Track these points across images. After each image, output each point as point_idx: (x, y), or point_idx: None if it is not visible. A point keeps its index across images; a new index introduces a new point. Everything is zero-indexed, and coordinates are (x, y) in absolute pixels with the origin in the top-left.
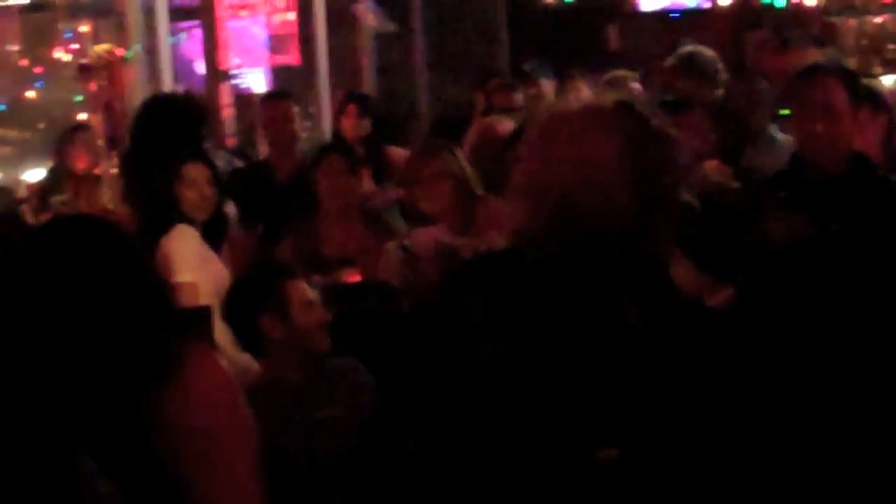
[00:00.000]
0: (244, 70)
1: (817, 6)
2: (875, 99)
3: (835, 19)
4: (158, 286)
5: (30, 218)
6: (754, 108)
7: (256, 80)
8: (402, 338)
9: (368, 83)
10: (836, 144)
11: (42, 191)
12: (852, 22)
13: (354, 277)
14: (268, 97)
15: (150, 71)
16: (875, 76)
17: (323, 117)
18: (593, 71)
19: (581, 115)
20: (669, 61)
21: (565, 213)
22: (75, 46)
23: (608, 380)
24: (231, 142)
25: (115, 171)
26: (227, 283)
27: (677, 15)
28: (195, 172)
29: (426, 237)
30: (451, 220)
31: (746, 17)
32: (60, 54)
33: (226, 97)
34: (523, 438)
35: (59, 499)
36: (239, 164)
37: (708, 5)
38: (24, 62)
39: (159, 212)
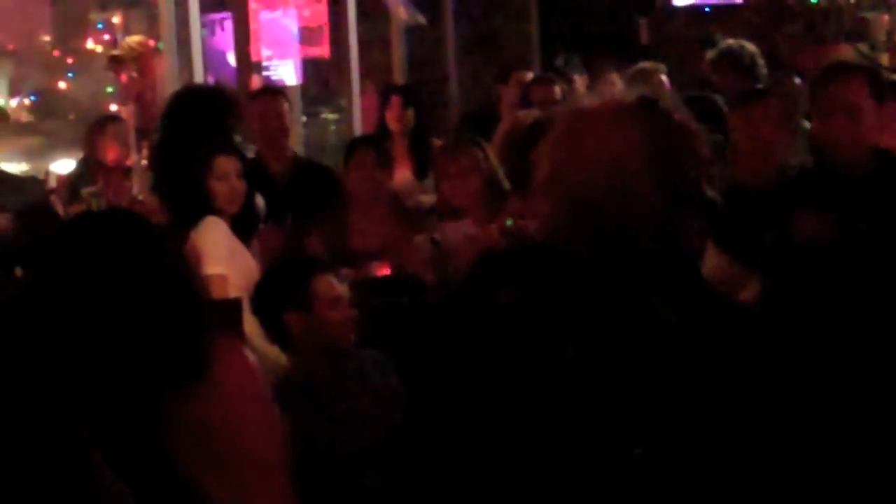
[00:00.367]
0: (275, 62)
1: (850, 1)
2: None
3: (867, 14)
4: (187, 281)
5: (60, 209)
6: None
7: (287, 72)
8: (430, 331)
9: (399, 75)
10: (858, 144)
11: (72, 182)
12: (885, 17)
13: (384, 271)
14: (259, 92)
15: (181, 62)
16: None
17: (353, 109)
18: (624, 64)
19: (603, 111)
20: (710, 55)
21: (591, 209)
22: (107, 37)
23: (640, 374)
24: None
25: (145, 162)
26: (257, 275)
27: (709, 9)
28: (226, 165)
29: (456, 231)
30: (479, 215)
31: (779, 12)
32: (92, 45)
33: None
34: (553, 433)
35: (72, 496)
36: None
37: (740, 0)
38: (56, 53)
39: (189, 204)
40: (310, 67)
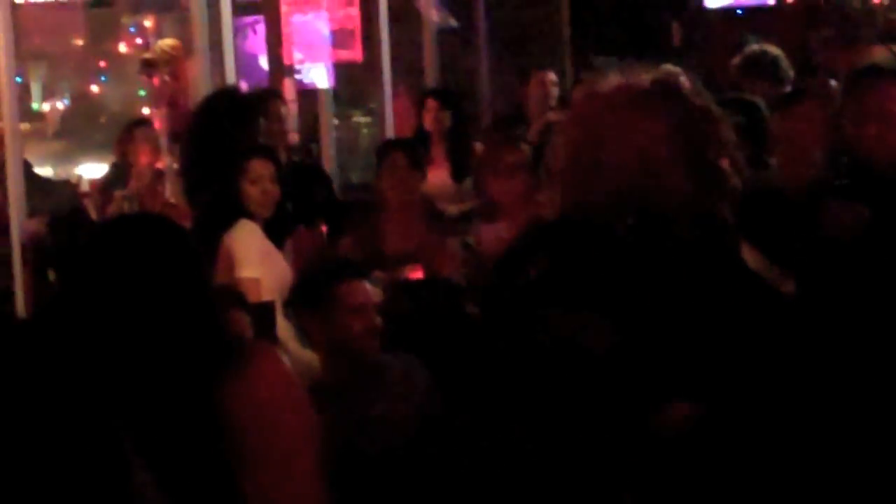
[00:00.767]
0: (307, 65)
1: (882, 3)
2: None
3: None
4: (206, 287)
5: (92, 213)
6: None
7: (319, 76)
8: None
9: (431, 79)
10: (890, 148)
11: (104, 185)
12: None
13: (416, 274)
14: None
15: (214, 66)
16: None
17: (385, 113)
18: (656, 66)
19: (622, 96)
20: (735, 61)
21: (625, 198)
22: (139, 41)
23: (678, 350)
24: (293, 137)
25: (176, 165)
26: (290, 279)
27: (742, 12)
28: (260, 168)
29: (490, 234)
30: (517, 216)
31: (811, 14)
32: (124, 49)
33: (289, 92)
34: (590, 405)
35: (103, 486)
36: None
37: (773, 2)
38: (89, 57)
39: (223, 207)
40: (341, 71)
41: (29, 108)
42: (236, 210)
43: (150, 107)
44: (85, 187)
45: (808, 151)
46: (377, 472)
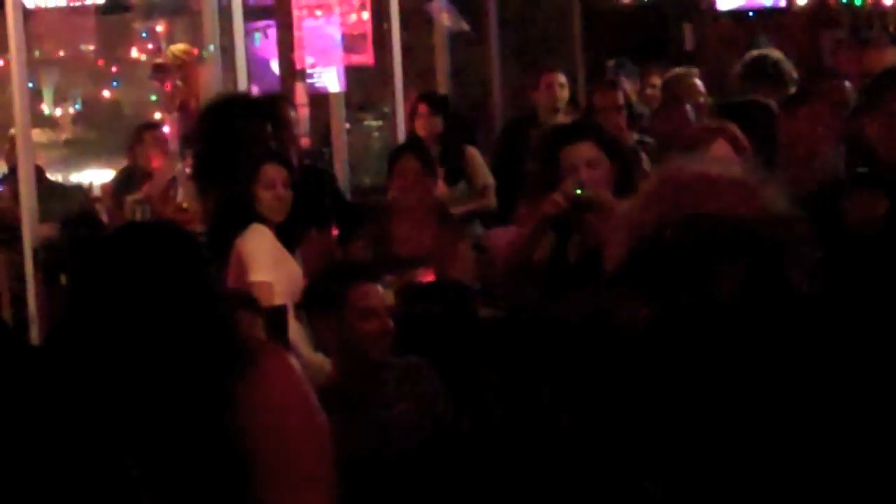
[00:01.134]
0: (318, 69)
1: (894, 4)
2: None
3: None
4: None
5: (104, 217)
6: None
7: (331, 80)
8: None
9: (443, 82)
10: None
11: (116, 190)
12: None
13: (428, 277)
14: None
15: (226, 70)
16: None
17: (397, 117)
18: (668, 70)
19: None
20: (737, 67)
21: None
22: (150, 46)
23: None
24: (305, 142)
25: (189, 170)
26: (302, 283)
27: (753, 14)
28: (273, 173)
29: (500, 237)
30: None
31: (823, 16)
32: (136, 54)
33: (301, 96)
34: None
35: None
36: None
37: (784, 4)
38: (100, 62)
39: (235, 212)
40: (353, 75)
41: (41, 114)
42: (249, 214)
43: (162, 111)
44: (97, 192)
45: (814, 152)
46: (390, 475)
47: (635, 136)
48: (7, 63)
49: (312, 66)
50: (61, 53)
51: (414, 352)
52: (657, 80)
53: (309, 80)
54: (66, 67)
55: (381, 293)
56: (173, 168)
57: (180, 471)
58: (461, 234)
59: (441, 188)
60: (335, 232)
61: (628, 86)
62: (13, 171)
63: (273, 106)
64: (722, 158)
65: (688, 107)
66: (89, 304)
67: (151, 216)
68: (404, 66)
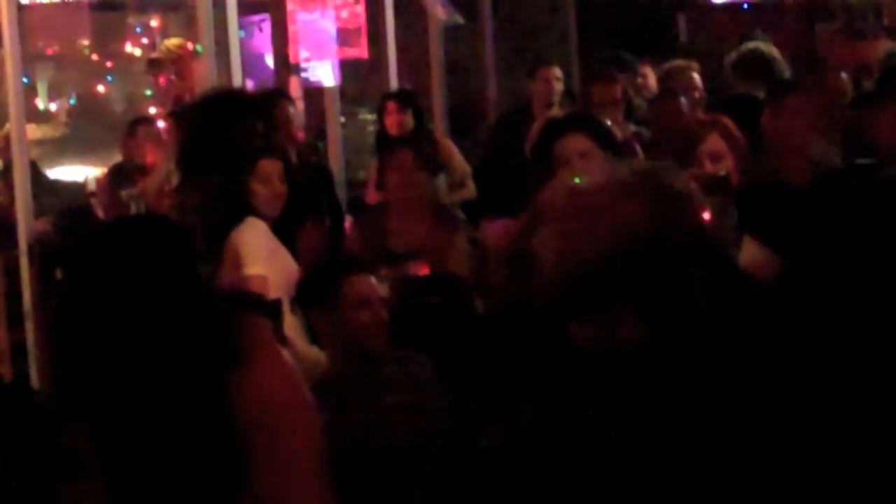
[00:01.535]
0: (313, 63)
1: None
2: None
3: None
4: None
5: (99, 212)
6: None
7: (325, 74)
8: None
9: (437, 76)
10: None
11: (111, 185)
12: None
13: (422, 270)
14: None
15: (220, 65)
16: None
17: None
18: (662, 60)
19: (605, 191)
20: (730, 59)
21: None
22: (145, 41)
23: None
24: (300, 135)
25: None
26: (297, 276)
27: (748, 6)
28: (269, 167)
29: (495, 230)
30: None
31: (818, 8)
32: (130, 49)
33: (295, 90)
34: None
35: None
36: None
37: None
38: (95, 56)
39: (231, 206)
40: (348, 68)
41: (35, 109)
42: (244, 208)
43: (157, 106)
44: (92, 187)
45: (801, 143)
46: (385, 466)
47: (632, 128)
48: (1, 58)
49: (307, 59)
50: (56, 48)
51: (410, 345)
52: (648, 71)
53: (303, 74)
54: (61, 62)
55: (375, 284)
56: (168, 162)
57: (174, 463)
58: (456, 227)
59: None
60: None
61: (622, 79)
62: (8, 166)
63: (266, 103)
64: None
65: (682, 99)
66: (82, 298)
67: (146, 211)
68: (399, 60)
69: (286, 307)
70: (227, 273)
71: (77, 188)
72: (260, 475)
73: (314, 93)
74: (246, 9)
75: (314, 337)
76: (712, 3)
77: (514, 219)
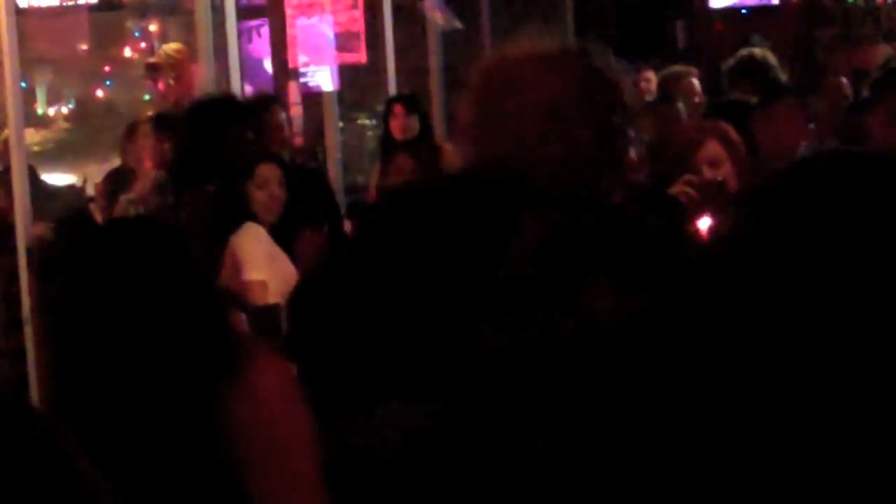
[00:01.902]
0: (311, 68)
1: (885, 2)
2: None
3: None
4: (210, 287)
5: (98, 217)
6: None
7: (324, 79)
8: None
9: (436, 81)
10: None
11: (109, 189)
12: None
13: None
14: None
15: (219, 70)
16: None
17: None
18: (661, 67)
19: (533, 58)
20: (726, 65)
21: (530, 143)
22: (144, 45)
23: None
24: (298, 141)
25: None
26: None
27: (746, 11)
28: (267, 172)
29: None
30: None
31: (816, 14)
32: (129, 53)
33: (294, 96)
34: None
35: None
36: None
37: (777, 1)
38: (93, 61)
39: (229, 211)
40: (346, 73)
41: (34, 113)
42: (242, 213)
43: (155, 111)
44: (90, 191)
45: (789, 148)
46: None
47: (631, 133)
48: None
49: (306, 64)
50: (54, 53)
51: None
52: (651, 76)
53: (302, 79)
54: (60, 67)
55: None
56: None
57: (167, 471)
58: None
59: None
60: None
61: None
62: (6, 171)
63: (258, 109)
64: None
65: (679, 105)
66: (78, 302)
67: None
68: (397, 65)
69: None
70: (226, 278)
71: (76, 193)
72: (257, 479)
73: (313, 98)
74: (244, 13)
75: None
76: (711, 8)
77: None
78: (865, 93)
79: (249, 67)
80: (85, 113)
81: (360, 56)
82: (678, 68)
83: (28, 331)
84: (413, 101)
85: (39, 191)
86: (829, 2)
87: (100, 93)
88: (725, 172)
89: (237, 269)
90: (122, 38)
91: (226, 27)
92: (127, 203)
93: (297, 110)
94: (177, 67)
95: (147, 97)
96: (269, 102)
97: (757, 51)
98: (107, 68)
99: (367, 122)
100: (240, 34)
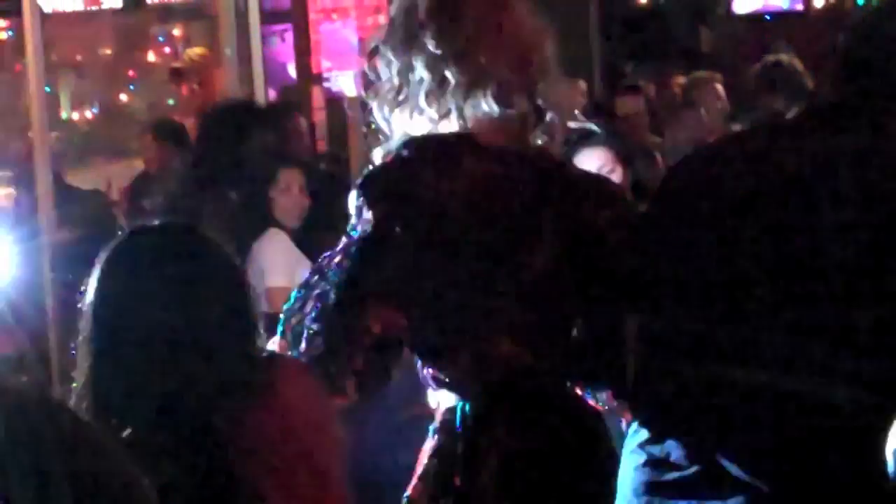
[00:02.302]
0: (335, 73)
1: None
2: None
3: None
4: (243, 294)
5: (122, 220)
6: None
7: (347, 83)
8: None
9: None
10: None
11: (133, 193)
12: None
13: None
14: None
15: (242, 74)
16: None
17: None
18: (685, 72)
19: None
20: (753, 72)
21: None
22: (168, 50)
23: None
24: (322, 146)
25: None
26: None
27: (770, 17)
28: (290, 177)
29: None
30: None
31: (840, 19)
32: (153, 58)
33: (317, 100)
34: None
35: None
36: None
37: (801, 8)
38: (117, 66)
39: (251, 216)
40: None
41: (58, 118)
42: (265, 219)
43: (179, 116)
44: (114, 196)
45: None
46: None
47: (656, 140)
48: (24, 67)
49: (329, 69)
50: (78, 57)
51: None
52: (679, 79)
53: (325, 84)
54: (84, 71)
55: None
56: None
57: (184, 482)
58: None
59: None
60: None
61: (648, 89)
62: (31, 175)
63: (279, 116)
64: None
65: (702, 111)
66: (108, 308)
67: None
68: None
69: None
70: None
71: (100, 197)
72: (279, 489)
73: (336, 103)
74: (268, 18)
75: None
76: (735, 15)
77: None
78: None
79: (273, 72)
80: (109, 117)
81: None
82: (702, 74)
83: (51, 334)
84: None
85: (63, 195)
86: (854, 7)
87: (124, 97)
88: None
89: (260, 275)
90: (146, 42)
91: (250, 32)
92: (150, 207)
93: (320, 115)
94: (200, 72)
95: (171, 102)
96: (286, 110)
97: (784, 57)
98: (130, 73)
99: None
100: (264, 39)
